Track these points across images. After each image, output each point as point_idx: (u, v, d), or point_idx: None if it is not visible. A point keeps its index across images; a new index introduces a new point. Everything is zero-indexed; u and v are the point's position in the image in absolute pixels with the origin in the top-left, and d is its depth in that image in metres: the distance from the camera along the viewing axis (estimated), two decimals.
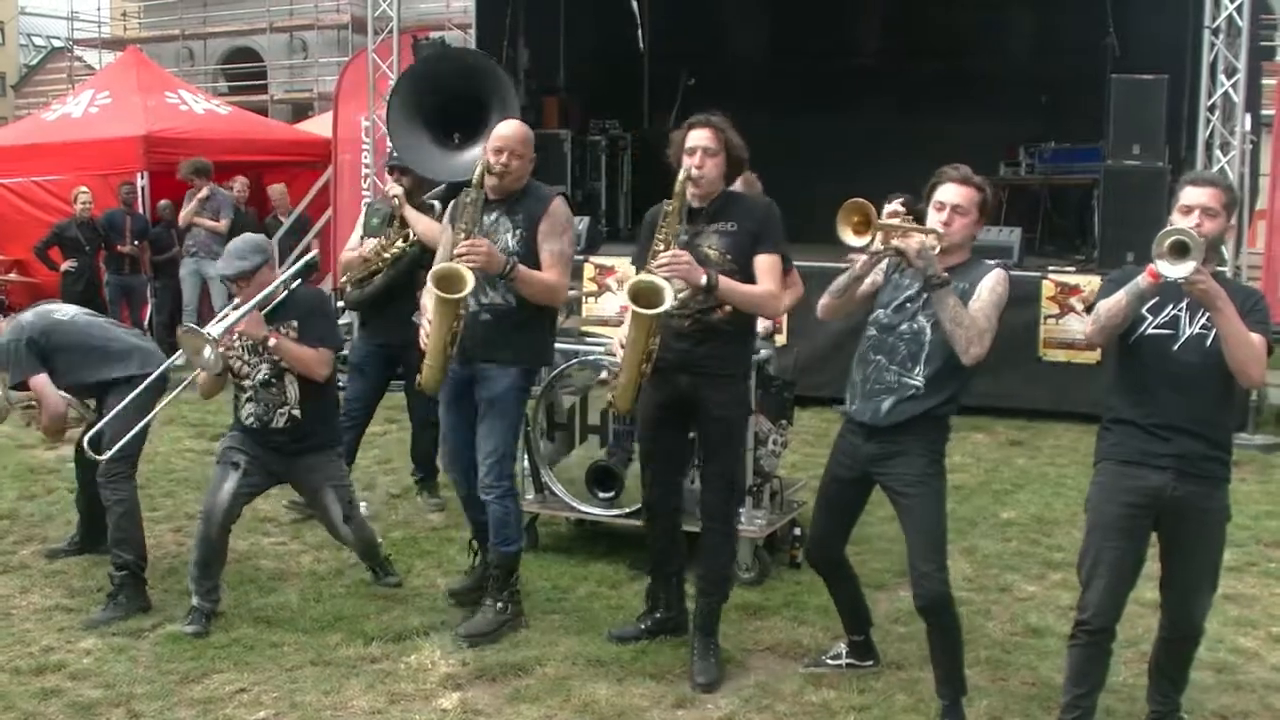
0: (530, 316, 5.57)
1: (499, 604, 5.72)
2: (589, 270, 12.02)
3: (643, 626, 5.71)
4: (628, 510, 6.55)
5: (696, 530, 5.64)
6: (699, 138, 5.24)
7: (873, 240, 4.64)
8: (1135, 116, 10.87)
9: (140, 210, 13.86)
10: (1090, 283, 10.56)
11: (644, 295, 5.03)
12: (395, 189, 7.65)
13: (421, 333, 5.61)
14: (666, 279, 4.99)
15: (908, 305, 4.77)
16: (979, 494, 8.35)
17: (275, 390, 5.81)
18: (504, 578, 5.75)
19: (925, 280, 4.62)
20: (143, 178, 14.15)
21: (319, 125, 17.57)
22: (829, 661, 5.40)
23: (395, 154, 8.08)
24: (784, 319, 10.08)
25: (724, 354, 5.28)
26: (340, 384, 8.30)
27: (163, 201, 13.99)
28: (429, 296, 5.51)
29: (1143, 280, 4.25)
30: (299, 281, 6.02)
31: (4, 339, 6.08)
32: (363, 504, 7.23)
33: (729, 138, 5.26)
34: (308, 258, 6.94)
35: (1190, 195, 4.38)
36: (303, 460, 5.92)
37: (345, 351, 8.55)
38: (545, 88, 15.79)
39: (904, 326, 4.75)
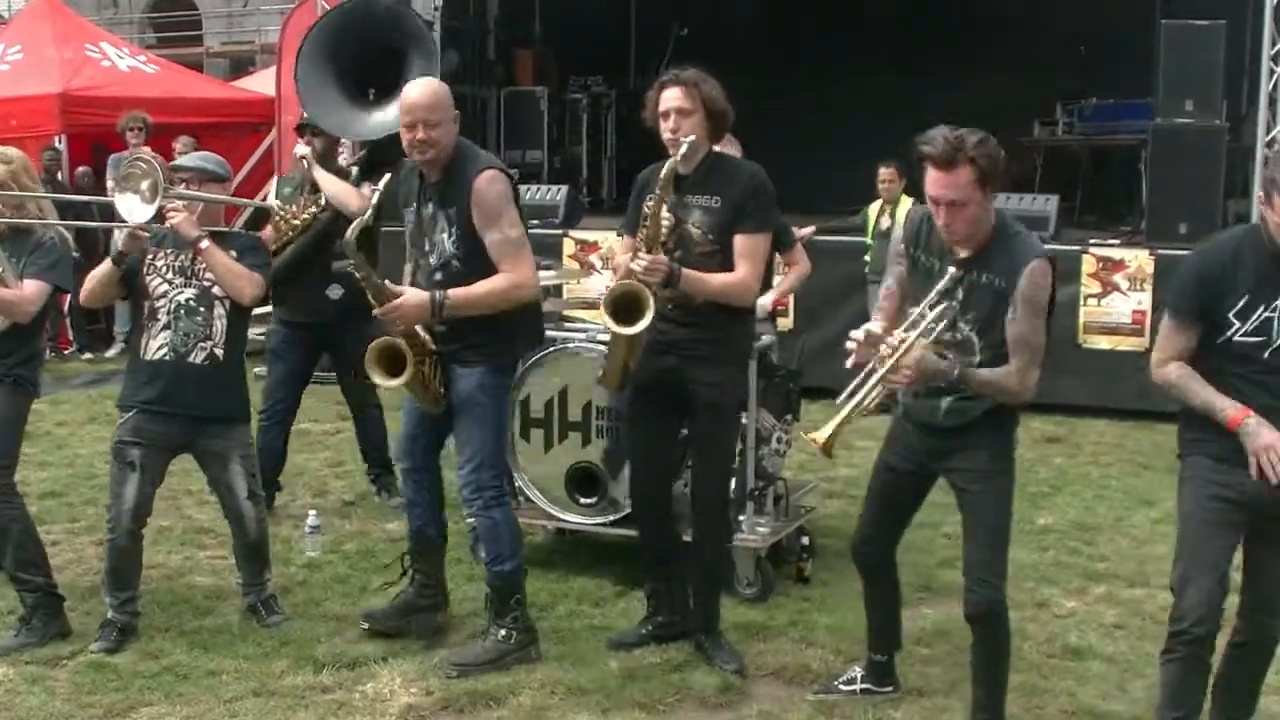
0: (491, 332, 5.56)
1: (501, 631, 5.66)
2: (569, 246, 12.01)
3: (644, 631, 5.82)
4: (613, 518, 6.56)
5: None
6: (671, 98, 5.30)
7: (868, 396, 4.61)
8: (1188, 68, 10.82)
9: (61, 178, 13.80)
10: (1137, 257, 10.57)
11: (625, 303, 5.24)
12: (302, 149, 7.68)
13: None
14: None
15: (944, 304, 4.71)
16: None
17: (200, 320, 5.83)
18: (502, 601, 5.68)
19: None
20: (60, 141, 14.10)
21: (260, 82, 17.50)
22: (842, 687, 5.40)
23: (305, 113, 8.11)
24: (790, 300, 10.09)
25: (712, 336, 5.37)
26: (259, 373, 8.31)
27: (82, 169, 13.94)
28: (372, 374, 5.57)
29: (1225, 417, 4.36)
30: (243, 224, 6.15)
31: None
32: (311, 514, 7.24)
33: (705, 92, 5.30)
34: (263, 203, 7.00)
35: None
36: (212, 427, 5.93)
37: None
38: (518, 39, 15.78)
39: (948, 336, 4.68)
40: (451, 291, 5.37)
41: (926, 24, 14.95)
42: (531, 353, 6.64)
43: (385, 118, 8.22)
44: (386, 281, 5.44)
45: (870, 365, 4.58)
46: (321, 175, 7.58)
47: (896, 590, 5.37)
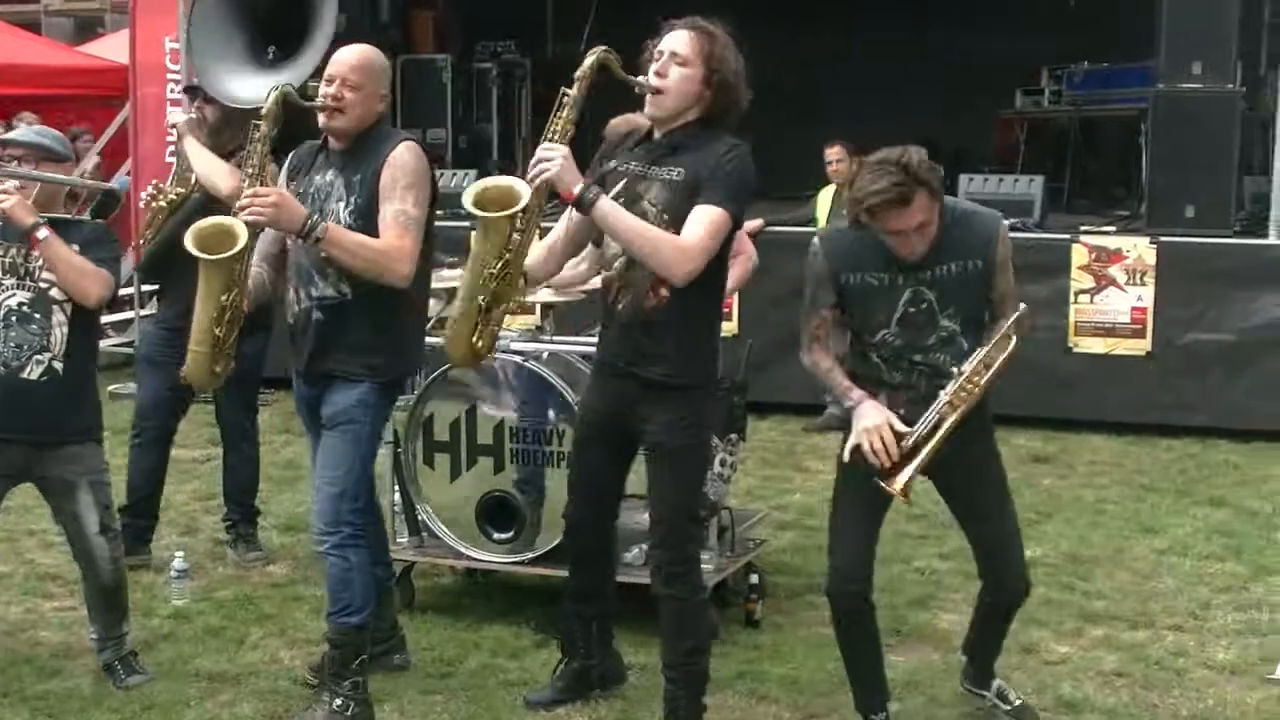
0: (379, 309, 5.53)
1: (338, 700, 5.62)
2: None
3: (560, 684, 5.86)
4: (532, 555, 6.60)
5: (631, 581, 5.78)
6: (671, 40, 5.21)
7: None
8: (1197, 24, 10.90)
9: None
10: (1137, 246, 10.68)
11: (496, 198, 5.18)
12: (177, 116, 7.50)
13: None
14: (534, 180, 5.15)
15: (912, 312, 5.05)
16: None
17: (36, 328, 5.77)
18: (343, 662, 5.64)
19: None
20: None
21: (112, 47, 17.41)
22: None
23: (194, 76, 7.91)
24: (733, 301, 10.15)
25: (661, 352, 5.27)
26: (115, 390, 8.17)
27: None
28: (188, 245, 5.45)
29: None
30: (90, 211, 6.07)
31: None
32: (178, 555, 7.23)
33: (715, 50, 5.19)
34: (113, 184, 6.93)
35: None
36: (56, 451, 5.88)
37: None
38: None
39: (932, 339, 5.06)
40: (331, 225, 5.39)
41: None
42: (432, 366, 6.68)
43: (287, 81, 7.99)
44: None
45: (942, 402, 4.96)
46: (191, 148, 7.40)
47: (877, 634, 5.49)
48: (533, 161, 5.11)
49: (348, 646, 5.63)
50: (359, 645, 5.65)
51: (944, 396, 4.93)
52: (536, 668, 6.22)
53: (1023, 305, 5.06)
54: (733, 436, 6.82)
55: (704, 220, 5.10)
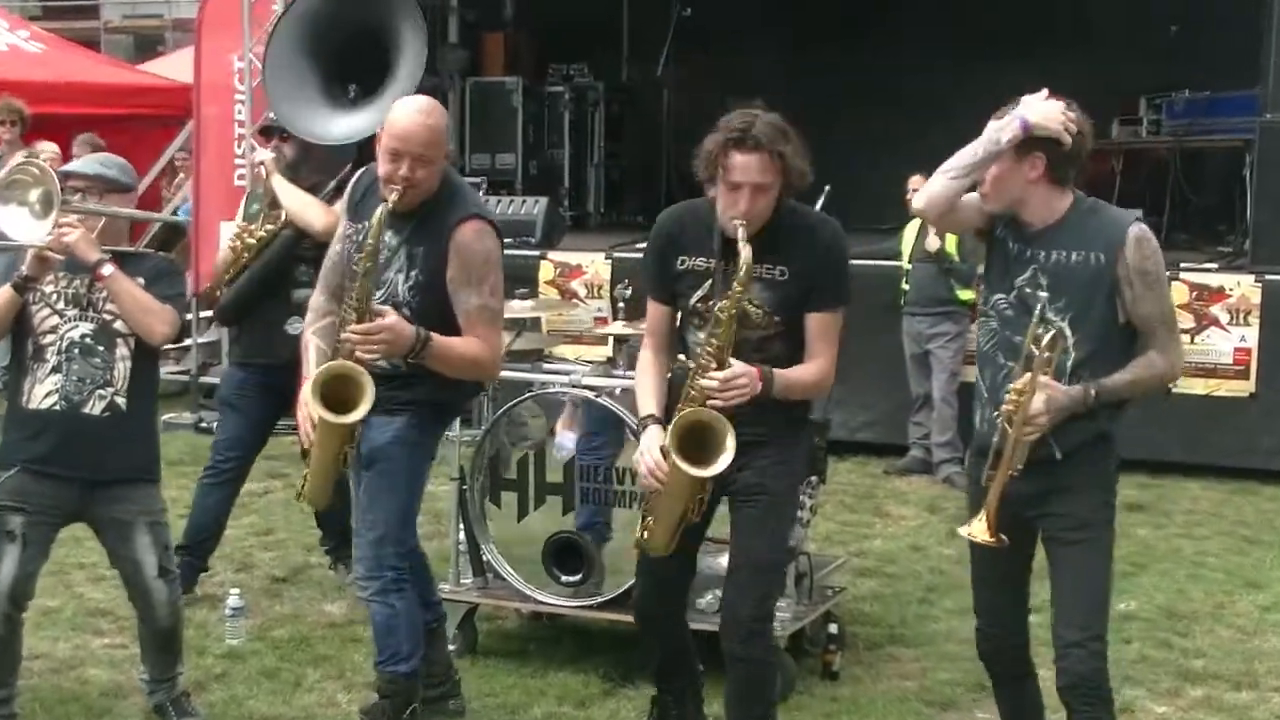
0: (432, 373, 5.56)
1: None
2: (547, 270, 12.03)
3: None
4: (601, 599, 6.57)
5: (703, 629, 5.70)
6: (746, 169, 5.03)
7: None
8: None
9: None
10: (1240, 284, 10.59)
11: (694, 435, 5.06)
12: (264, 154, 7.74)
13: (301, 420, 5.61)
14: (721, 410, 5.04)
15: (1028, 292, 4.84)
16: None
17: (99, 361, 5.76)
18: (394, 713, 5.68)
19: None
20: None
21: (173, 65, 17.54)
22: None
23: (270, 113, 8.19)
24: None
25: (763, 417, 5.21)
26: (204, 422, 8.28)
27: None
28: (311, 403, 5.44)
29: None
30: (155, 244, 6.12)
31: None
32: (234, 593, 7.23)
33: (789, 159, 5.07)
34: (175, 218, 7.00)
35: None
36: (111, 490, 5.86)
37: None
38: (487, 20, 15.81)
39: (1040, 330, 4.80)
40: (436, 336, 5.38)
41: (981, 1, 15.00)
42: (502, 401, 6.68)
43: (364, 121, 8.03)
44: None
45: (999, 432, 4.76)
46: (280, 186, 7.53)
47: (1038, 692, 5.31)
48: (723, 393, 5.01)
49: (398, 695, 5.66)
50: (409, 694, 5.69)
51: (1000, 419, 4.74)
52: (604, 717, 6.20)
53: (1156, 361, 4.79)
54: (812, 479, 6.79)
55: (828, 332, 5.25)
